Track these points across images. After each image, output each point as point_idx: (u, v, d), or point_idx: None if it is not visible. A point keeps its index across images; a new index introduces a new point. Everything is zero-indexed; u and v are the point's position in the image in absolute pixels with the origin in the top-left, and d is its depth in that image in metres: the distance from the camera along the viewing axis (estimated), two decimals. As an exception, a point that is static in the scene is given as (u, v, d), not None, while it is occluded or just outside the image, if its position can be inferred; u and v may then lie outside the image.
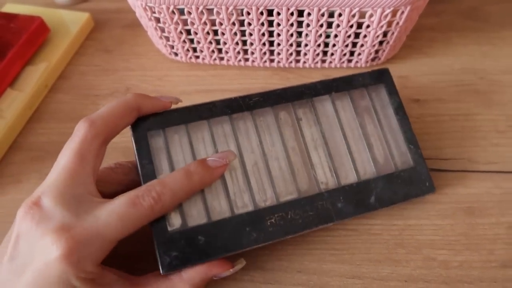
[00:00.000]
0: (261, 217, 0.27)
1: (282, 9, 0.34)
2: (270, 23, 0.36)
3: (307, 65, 0.41)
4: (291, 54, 0.39)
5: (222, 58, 0.41)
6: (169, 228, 0.26)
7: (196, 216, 0.26)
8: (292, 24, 0.36)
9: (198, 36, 0.38)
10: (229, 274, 0.26)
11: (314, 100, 0.31)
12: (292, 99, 0.31)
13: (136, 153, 0.27)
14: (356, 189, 0.29)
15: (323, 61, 0.41)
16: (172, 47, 0.41)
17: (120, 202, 0.23)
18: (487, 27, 0.45)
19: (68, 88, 0.43)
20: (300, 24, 0.36)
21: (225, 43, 0.39)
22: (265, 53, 0.40)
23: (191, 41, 0.40)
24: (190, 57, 0.42)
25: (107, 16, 0.49)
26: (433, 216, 0.32)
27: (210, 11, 0.35)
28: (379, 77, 0.33)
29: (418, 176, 0.30)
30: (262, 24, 0.36)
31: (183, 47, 0.40)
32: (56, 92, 0.42)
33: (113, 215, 0.23)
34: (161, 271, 0.25)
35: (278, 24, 0.36)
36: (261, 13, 0.35)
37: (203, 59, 0.42)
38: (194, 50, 0.41)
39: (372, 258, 0.30)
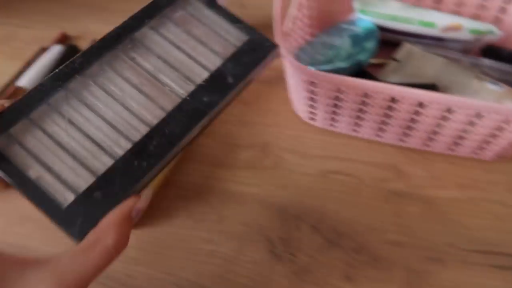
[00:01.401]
0: (142, 147, 0.28)
1: (433, 105, 0.38)
2: (416, 112, 0.40)
3: (435, 150, 0.45)
4: (424, 138, 0.43)
5: (356, 131, 0.45)
6: (65, 205, 0.26)
7: (82, 180, 0.27)
8: (436, 117, 0.39)
9: (343, 109, 0.42)
10: (142, 204, 0.29)
11: (135, 36, 0.33)
12: (116, 44, 0.32)
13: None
14: (212, 80, 0.32)
15: (452, 150, 0.44)
16: (313, 112, 0.45)
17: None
18: None
19: (211, 134, 0.48)
20: (444, 117, 0.39)
21: (363, 119, 0.43)
22: (398, 134, 0.43)
23: (334, 112, 0.44)
24: (327, 124, 0.46)
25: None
26: None
27: (367, 94, 0.39)
28: None
29: (256, 43, 0.34)
30: (407, 111, 0.40)
31: (324, 115, 0.45)
32: (203, 136, 0.47)
33: None
34: (74, 241, 0.25)
35: (423, 114, 0.39)
36: (411, 104, 0.39)
37: (338, 127, 0.46)
38: (333, 119, 0.45)
39: None
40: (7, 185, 0.27)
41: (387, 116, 0.41)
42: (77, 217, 0.25)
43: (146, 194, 0.35)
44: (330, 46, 0.47)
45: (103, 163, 0.28)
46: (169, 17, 0.35)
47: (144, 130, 0.29)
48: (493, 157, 0.44)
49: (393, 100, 0.39)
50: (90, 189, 0.26)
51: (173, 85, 0.32)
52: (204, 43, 0.34)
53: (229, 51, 0.34)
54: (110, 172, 0.27)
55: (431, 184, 0.43)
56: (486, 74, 0.45)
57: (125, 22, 0.33)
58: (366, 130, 0.44)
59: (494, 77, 0.45)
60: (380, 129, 0.44)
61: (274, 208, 0.42)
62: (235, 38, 0.35)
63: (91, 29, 0.60)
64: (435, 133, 0.42)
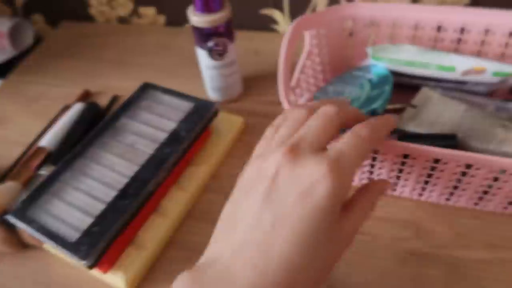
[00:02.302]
0: (124, 191, 0.40)
1: (451, 162, 0.35)
2: (432, 168, 0.37)
3: (458, 204, 0.41)
4: (444, 193, 0.39)
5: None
6: (73, 240, 0.36)
7: (85, 222, 0.38)
8: (455, 173, 0.36)
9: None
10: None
11: (117, 125, 0.47)
12: (104, 133, 0.46)
13: None
14: (169, 138, 0.44)
15: (477, 204, 0.40)
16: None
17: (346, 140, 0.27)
18: None
19: (219, 189, 0.47)
20: (463, 173, 0.36)
21: (376, 174, 0.40)
22: (415, 188, 0.40)
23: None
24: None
25: (255, 119, 0.53)
26: None
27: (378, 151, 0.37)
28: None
29: (199, 106, 0.47)
30: (423, 167, 0.37)
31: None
32: (209, 192, 0.47)
33: (348, 147, 0.26)
34: (81, 262, 0.35)
35: (442, 170, 0.36)
36: (428, 161, 0.36)
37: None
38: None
39: None
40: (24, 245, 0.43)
41: (402, 171, 0.38)
42: (82, 246, 0.36)
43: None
44: (343, 95, 0.45)
45: (98, 208, 0.39)
46: (138, 106, 0.49)
47: (125, 180, 0.41)
48: None
49: (406, 156, 0.36)
50: (90, 227, 0.37)
51: (144, 148, 0.44)
52: (163, 116, 0.48)
53: (180, 116, 0.47)
54: (103, 213, 0.38)
55: (455, 243, 0.39)
56: None
57: (108, 116, 0.48)
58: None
59: None
60: (396, 184, 0.41)
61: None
62: (184, 107, 0.48)
63: (111, 85, 0.63)
64: (455, 187, 0.38)
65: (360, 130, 0.27)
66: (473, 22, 0.46)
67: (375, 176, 0.40)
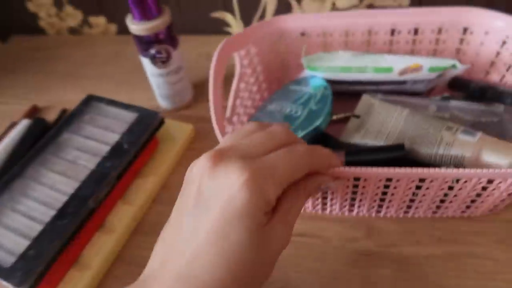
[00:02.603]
0: (63, 210, 0.38)
1: (403, 180, 0.33)
2: (385, 186, 0.35)
3: (414, 216, 0.40)
4: (399, 208, 0.39)
5: (325, 209, 0.41)
6: (8, 265, 0.35)
7: (21, 245, 0.36)
8: (410, 188, 0.35)
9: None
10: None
11: (59, 140, 0.45)
12: (45, 149, 0.44)
13: None
14: (112, 151, 0.43)
15: (435, 212, 0.39)
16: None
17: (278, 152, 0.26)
18: None
19: (169, 200, 0.45)
20: (418, 187, 0.35)
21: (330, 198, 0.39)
22: (369, 207, 0.39)
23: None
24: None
25: (206, 126, 0.52)
26: None
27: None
28: None
29: (144, 116, 0.46)
30: (376, 187, 0.35)
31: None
32: (158, 203, 0.45)
33: (278, 159, 0.26)
34: None
35: (395, 187, 0.35)
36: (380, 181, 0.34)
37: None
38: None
39: None
40: None
41: (355, 193, 0.36)
42: (17, 272, 0.34)
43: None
44: (284, 116, 0.42)
45: (36, 230, 0.38)
46: (81, 120, 0.48)
47: (64, 198, 0.40)
48: (482, 213, 0.39)
49: (357, 178, 0.34)
50: (26, 250, 0.36)
51: (86, 163, 0.43)
52: (107, 129, 0.46)
53: (124, 127, 0.45)
54: (40, 235, 0.37)
55: (404, 241, 0.39)
56: (458, 118, 0.40)
57: (49, 132, 0.46)
58: (335, 207, 0.40)
59: (467, 120, 0.40)
60: (352, 205, 0.39)
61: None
62: (128, 118, 0.46)
63: (61, 98, 0.61)
64: (412, 201, 0.37)
65: (296, 147, 0.27)
66: (403, 22, 0.46)
67: (328, 201, 0.39)
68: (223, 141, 0.28)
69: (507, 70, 0.43)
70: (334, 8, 0.61)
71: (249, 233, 0.23)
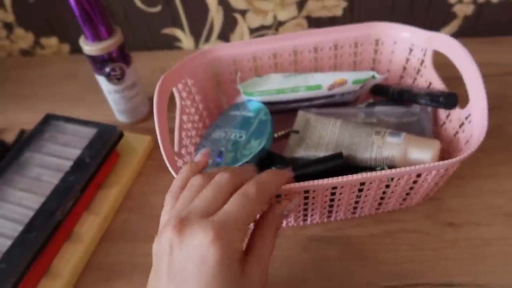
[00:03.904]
0: (30, 225, 0.40)
1: (346, 187, 0.38)
2: (332, 193, 0.39)
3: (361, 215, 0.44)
4: (346, 211, 0.43)
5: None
6: None
7: None
8: (353, 192, 0.39)
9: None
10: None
11: (20, 160, 0.47)
12: (7, 169, 0.47)
13: None
14: (75, 165, 0.46)
15: (378, 209, 0.44)
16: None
17: (232, 200, 0.28)
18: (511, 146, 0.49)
19: (133, 208, 0.48)
20: (360, 190, 0.39)
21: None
22: (321, 214, 0.43)
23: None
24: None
25: (164, 136, 0.55)
26: None
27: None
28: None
29: (103, 131, 0.49)
30: (324, 196, 0.39)
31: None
32: (122, 212, 0.48)
33: (234, 208, 0.28)
34: None
35: (340, 193, 0.39)
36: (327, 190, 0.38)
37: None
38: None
39: None
40: None
41: (307, 203, 0.40)
42: None
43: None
44: (229, 141, 0.45)
45: (5, 245, 0.40)
46: (42, 138, 0.50)
47: (31, 213, 0.42)
48: (417, 203, 0.44)
49: (307, 191, 0.38)
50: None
51: (50, 179, 0.45)
52: (68, 145, 0.49)
53: (84, 143, 0.48)
54: (10, 249, 0.39)
55: (348, 224, 0.44)
56: (384, 122, 0.46)
57: (10, 152, 0.48)
58: (290, 220, 0.43)
59: (391, 122, 0.46)
60: (305, 215, 0.43)
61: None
62: (88, 133, 0.49)
63: (18, 119, 0.62)
64: (357, 202, 0.42)
65: (247, 189, 0.29)
66: (324, 40, 0.51)
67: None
68: (178, 206, 0.30)
69: (417, 73, 0.50)
70: (275, 20, 0.67)
71: (229, 284, 0.26)
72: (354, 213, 0.44)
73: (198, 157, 0.35)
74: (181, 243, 0.26)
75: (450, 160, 0.35)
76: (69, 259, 0.42)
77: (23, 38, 0.73)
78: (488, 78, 0.41)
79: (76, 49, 0.74)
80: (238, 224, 0.27)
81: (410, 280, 0.39)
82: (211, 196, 0.29)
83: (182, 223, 0.27)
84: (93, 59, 0.49)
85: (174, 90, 0.46)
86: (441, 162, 0.35)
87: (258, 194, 0.29)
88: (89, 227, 0.44)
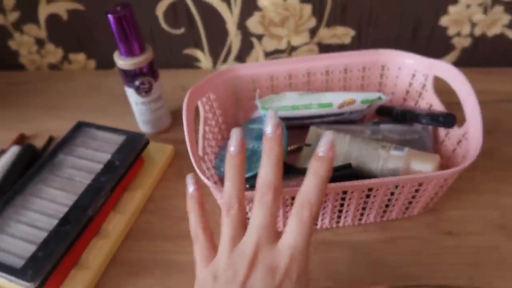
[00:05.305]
0: (65, 219, 0.44)
1: (355, 191, 0.42)
2: (342, 198, 0.43)
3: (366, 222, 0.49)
4: (354, 217, 0.47)
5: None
6: (19, 267, 0.40)
7: (29, 250, 0.42)
8: (361, 197, 0.43)
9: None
10: None
11: (55, 161, 0.52)
12: (43, 169, 0.51)
13: None
14: (105, 168, 0.50)
15: (382, 217, 0.48)
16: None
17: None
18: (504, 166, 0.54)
19: (155, 210, 0.52)
20: (367, 196, 0.43)
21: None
22: (330, 219, 0.47)
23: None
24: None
25: (184, 147, 0.59)
26: None
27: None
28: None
29: (131, 138, 0.54)
30: (334, 199, 0.43)
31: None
32: (145, 213, 0.52)
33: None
34: (27, 284, 0.39)
35: (350, 198, 0.43)
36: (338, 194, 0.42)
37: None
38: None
39: None
40: None
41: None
42: (28, 271, 0.40)
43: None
44: (248, 150, 0.49)
45: (41, 236, 0.43)
46: (74, 143, 0.55)
47: (65, 209, 0.46)
48: (418, 212, 0.48)
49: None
50: (34, 253, 0.41)
51: (82, 179, 0.50)
52: (98, 150, 0.53)
53: (114, 148, 0.53)
54: (46, 240, 0.43)
55: (355, 230, 0.48)
56: (388, 138, 0.51)
57: (46, 154, 0.53)
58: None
59: (395, 139, 0.51)
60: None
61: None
62: (117, 140, 0.54)
63: (47, 127, 0.66)
64: (364, 208, 0.45)
65: (302, 213, 0.31)
66: (334, 64, 0.56)
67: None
68: (241, 247, 0.31)
69: (419, 96, 0.55)
70: (289, 45, 0.72)
71: None
72: (360, 219, 0.48)
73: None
74: (259, 272, 0.30)
75: (449, 170, 0.39)
76: (97, 253, 0.46)
77: (53, 53, 0.78)
78: (483, 105, 0.46)
79: (101, 65, 0.79)
80: (303, 249, 0.30)
81: (411, 282, 0.42)
82: (266, 219, 0.32)
83: (256, 258, 0.30)
84: (125, 72, 0.54)
85: (199, 103, 0.51)
86: (441, 172, 0.39)
87: (312, 215, 0.31)
88: (115, 224, 0.48)
